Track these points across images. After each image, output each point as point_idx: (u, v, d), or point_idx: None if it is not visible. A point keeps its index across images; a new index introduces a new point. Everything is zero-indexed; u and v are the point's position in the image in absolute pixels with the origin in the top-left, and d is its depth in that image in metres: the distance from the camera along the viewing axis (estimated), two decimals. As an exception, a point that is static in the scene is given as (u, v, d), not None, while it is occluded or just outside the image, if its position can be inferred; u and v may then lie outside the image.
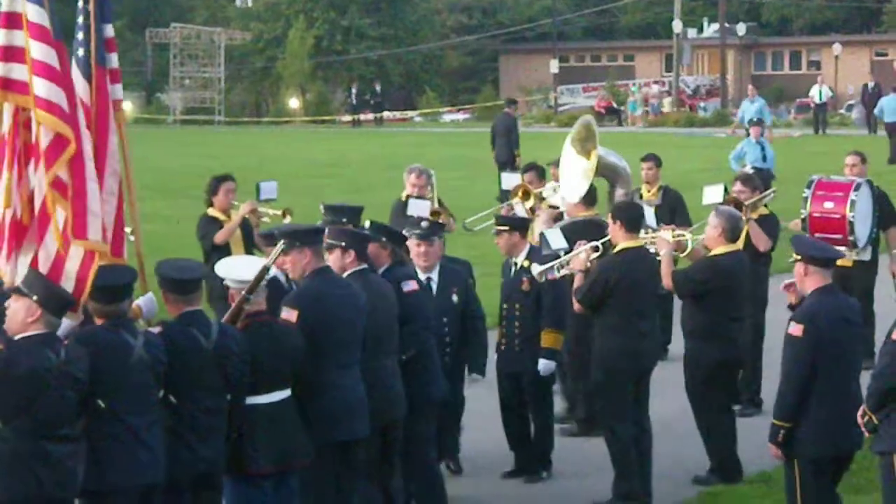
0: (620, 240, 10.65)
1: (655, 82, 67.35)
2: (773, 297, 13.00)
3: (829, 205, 14.16)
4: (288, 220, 13.07)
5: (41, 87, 8.11)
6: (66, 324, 7.75)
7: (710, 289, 10.97)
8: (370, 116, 60.77)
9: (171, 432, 7.89)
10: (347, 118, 61.78)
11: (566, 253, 11.01)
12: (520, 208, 13.48)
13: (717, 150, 30.85)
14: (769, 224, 13.21)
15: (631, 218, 10.69)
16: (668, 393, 11.85)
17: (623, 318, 10.47)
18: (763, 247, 13.01)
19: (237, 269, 8.70)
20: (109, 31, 8.78)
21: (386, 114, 61.53)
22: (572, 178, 12.76)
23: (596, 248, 10.92)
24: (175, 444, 7.86)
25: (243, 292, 8.40)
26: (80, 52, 8.65)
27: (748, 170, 24.41)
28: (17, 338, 7.31)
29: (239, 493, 8.34)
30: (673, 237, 11.31)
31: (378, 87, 61.87)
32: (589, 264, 10.77)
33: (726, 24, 66.03)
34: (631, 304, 10.49)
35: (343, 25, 69.74)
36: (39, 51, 8.14)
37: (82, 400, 7.41)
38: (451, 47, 73.03)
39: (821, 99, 48.92)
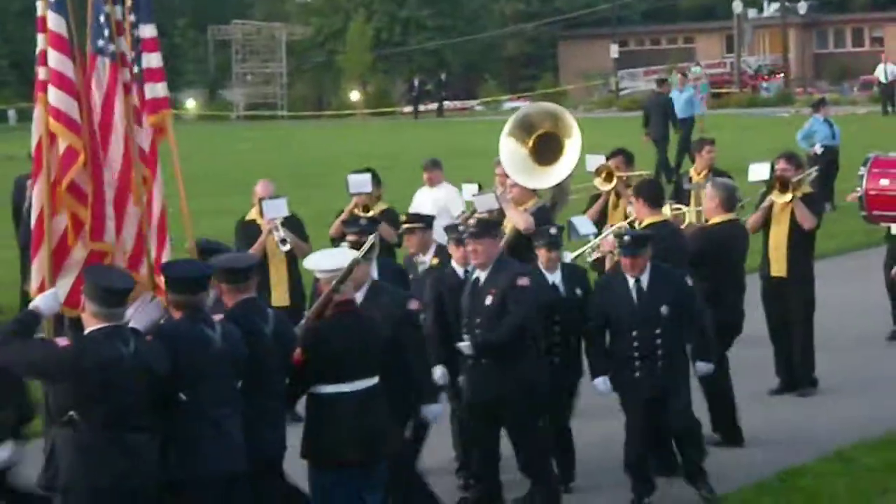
0: (645, 216, 11.04)
1: (716, 64, 66.86)
2: (823, 273, 13.06)
3: (885, 182, 14.02)
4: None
5: (53, 96, 8.16)
6: (148, 318, 7.83)
7: (705, 257, 11.31)
8: (431, 107, 60.76)
9: (243, 418, 7.89)
10: (408, 109, 61.85)
11: (595, 237, 11.14)
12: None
13: (781, 130, 30.64)
14: (814, 202, 13.09)
15: (652, 195, 11.16)
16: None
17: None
18: (808, 225, 12.86)
19: (327, 259, 8.74)
20: (149, 31, 8.68)
21: (446, 103, 61.48)
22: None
23: (621, 229, 11.10)
24: (247, 430, 7.86)
25: (333, 282, 8.43)
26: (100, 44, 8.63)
27: (818, 148, 24.41)
28: (85, 332, 7.41)
29: (323, 483, 8.34)
30: (672, 212, 11.79)
31: (443, 77, 61.53)
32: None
33: (787, 3, 65.48)
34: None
35: (402, 17, 69.80)
36: (55, 59, 8.17)
37: (160, 392, 7.48)
38: (509, 35, 72.90)
39: (886, 78, 47.93)
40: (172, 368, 7.51)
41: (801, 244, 12.92)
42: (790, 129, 29.77)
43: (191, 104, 64.93)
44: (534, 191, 11.97)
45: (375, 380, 8.47)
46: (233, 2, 74.52)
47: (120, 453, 7.27)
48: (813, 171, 13.90)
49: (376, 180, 13.81)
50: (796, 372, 13.02)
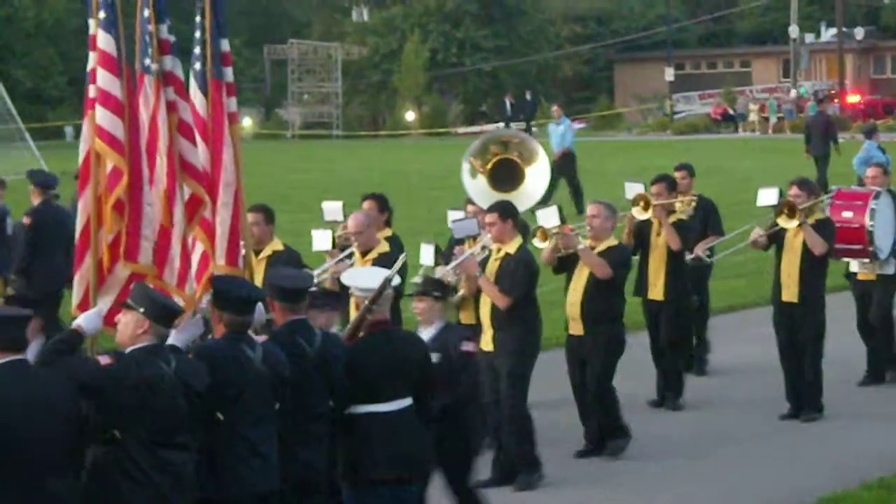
0: (509, 238, 11.14)
1: (773, 88, 66.65)
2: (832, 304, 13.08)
3: (847, 214, 13.92)
4: None
5: (100, 116, 8.26)
6: (188, 334, 7.91)
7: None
8: (480, 128, 60.53)
9: (277, 438, 7.94)
10: (462, 129, 61.76)
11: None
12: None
13: (838, 155, 30.59)
14: (825, 228, 13.10)
15: (514, 217, 11.24)
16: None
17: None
18: (818, 251, 12.93)
19: (363, 277, 8.81)
20: (225, 45, 8.92)
21: (487, 125, 61.09)
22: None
23: (484, 248, 11.19)
24: (280, 449, 7.92)
25: (367, 301, 8.50)
26: (198, 65, 8.82)
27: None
28: (127, 350, 7.46)
29: (357, 501, 8.41)
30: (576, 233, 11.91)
31: (529, 96, 60.61)
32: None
33: (844, 28, 65.22)
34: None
35: (458, 38, 69.98)
36: (103, 78, 8.26)
37: (198, 411, 7.53)
38: (565, 57, 72.95)
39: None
40: (211, 387, 7.56)
41: (813, 270, 12.97)
42: (846, 155, 29.63)
43: (247, 122, 65.39)
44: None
45: (409, 400, 8.51)
46: (289, 21, 75.02)
47: (160, 472, 7.32)
48: (826, 199, 13.86)
49: (381, 205, 12.80)
50: (804, 398, 13.09)
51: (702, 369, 15.02)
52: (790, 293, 13.04)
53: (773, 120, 57.70)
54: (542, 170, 12.64)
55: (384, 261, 10.78)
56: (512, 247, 11.20)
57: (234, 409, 7.66)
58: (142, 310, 7.45)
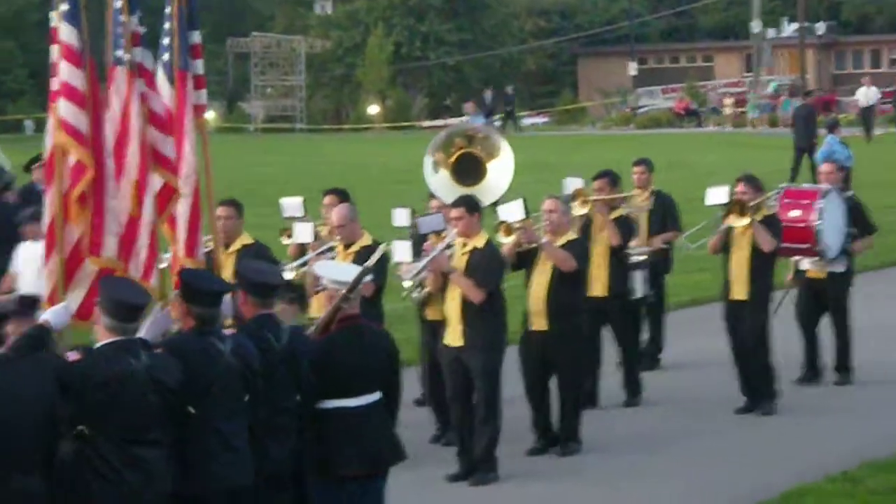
0: (476, 232, 11.19)
1: (735, 83, 66.86)
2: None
3: (795, 213, 13.88)
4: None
5: (63, 109, 8.22)
6: (158, 328, 7.92)
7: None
8: (444, 122, 60.52)
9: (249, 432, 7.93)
10: (426, 123, 61.71)
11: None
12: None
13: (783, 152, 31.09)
14: (773, 225, 13.17)
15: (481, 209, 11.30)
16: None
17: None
18: (767, 248, 13.01)
19: (337, 270, 8.81)
20: (196, 37, 8.89)
21: (452, 120, 61.01)
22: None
23: (449, 246, 11.18)
24: (252, 443, 7.91)
25: (342, 292, 8.48)
26: (166, 56, 8.79)
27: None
28: (95, 346, 7.44)
29: (326, 496, 8.41)
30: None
31: (510, 90, 60.33)
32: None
33: (805, 24, 65.46)
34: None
35: (422, 31, 69.90)
36: (66, 71, 8.21)
37: (170, 406, 7.51)
38: (529, 51, 73.00)
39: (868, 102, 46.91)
40: (182, 382, 7.54)
41: (762, 268, 13.04)
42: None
43: (209, 115, 65.06)
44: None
45: (378, 395, 8.55)
46: (252, 14, 74.78)
47: (132, 469, 7.28)
48: (772, 195, 13.84)
49: (343, 199, 12.58)
50: (756, 392, 13.17)
51: (652, 365, 14.98)
52: (740, 290, 13.10)
53: (752, 115, 57.69)
54: (505, 164, 12.63)
55: (367, 254, 10.75)
56: (479, 241, 11.21)
57: (206, 403, 7.63)
58: (101, 306, 7.44)
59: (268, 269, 8.72)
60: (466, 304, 11.08)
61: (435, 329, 11.76)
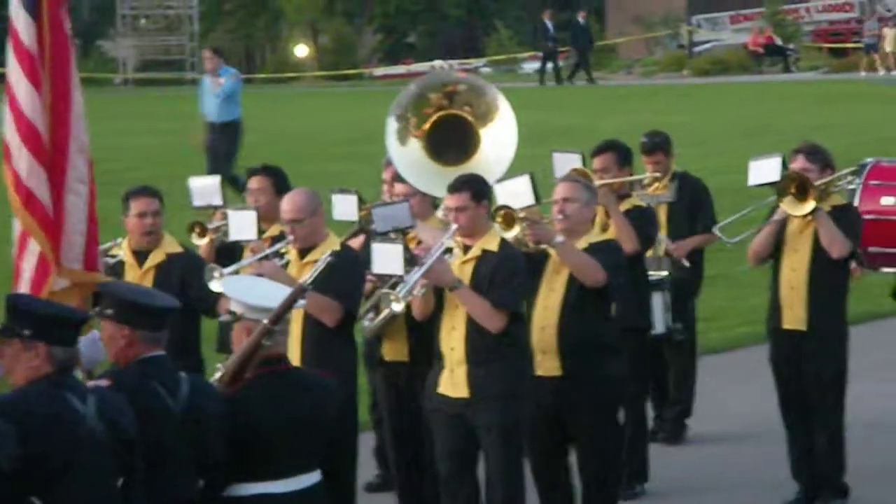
0: (485, 229, 11.41)
1: (839, 6, 67.17)
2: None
3: (889, 200, 13.98)
4: None
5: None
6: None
7: None
8: (406, 69, 60.90)
9: None
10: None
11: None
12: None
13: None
14: (847, 219, 12.82)
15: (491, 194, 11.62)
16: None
17: None
18: (837, 252, 12.58)
19: (255, 290, 8.84)
20: None
21: (418, 66, 61.29)
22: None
23: (449, 249, 11.27)
24: None
25: (264, 322, 8.49)
26: None
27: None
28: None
29: None
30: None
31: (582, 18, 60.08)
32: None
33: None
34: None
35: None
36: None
37: (4, 494, 7.48)
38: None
39: None
40: (21, 459, 7.50)
41: (830, 281, 12.81)
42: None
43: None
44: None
45: (317, 476, 8.58)
46: None
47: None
48: (846, 172, 13.62)
49: (277, 183, 13.09)
50: (820, 468, 12.94)
51: (677, 434, 15.05)
52: (795, 317, 12.88)
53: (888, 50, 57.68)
54: (504, 132, 12.53)
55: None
56: (491, 241, 11.22)
57: (58, 490, 7.59)
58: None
59: (155, 290, 8.74)
60: (475, 335, 11.14)
61: (397, 374, 11.94)
